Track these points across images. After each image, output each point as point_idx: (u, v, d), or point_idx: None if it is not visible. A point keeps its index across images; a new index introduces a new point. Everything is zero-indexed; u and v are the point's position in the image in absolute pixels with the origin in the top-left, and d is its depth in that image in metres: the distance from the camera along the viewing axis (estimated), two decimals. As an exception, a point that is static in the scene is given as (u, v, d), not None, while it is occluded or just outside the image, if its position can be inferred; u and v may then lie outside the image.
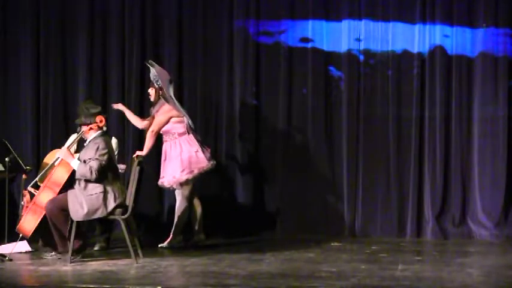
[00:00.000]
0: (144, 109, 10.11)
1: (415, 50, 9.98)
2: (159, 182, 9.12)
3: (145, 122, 9.24)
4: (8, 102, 10.50)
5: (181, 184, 8.96)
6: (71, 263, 7.94)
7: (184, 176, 8.95)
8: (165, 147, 9.09)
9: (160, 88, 9.07)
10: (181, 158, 8.97)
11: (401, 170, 9.99)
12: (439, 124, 9.93)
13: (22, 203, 8.39)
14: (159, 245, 8.97)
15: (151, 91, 9.15)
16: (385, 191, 10.03)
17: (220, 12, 10.25)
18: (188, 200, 9.01)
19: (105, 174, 7.99)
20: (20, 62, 10.47)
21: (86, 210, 7.91)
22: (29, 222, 8.09)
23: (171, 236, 9.02)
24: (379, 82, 10.06)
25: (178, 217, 9.02)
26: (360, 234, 10.01)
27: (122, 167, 8.81)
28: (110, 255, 8.50)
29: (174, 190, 9.09)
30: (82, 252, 8.20)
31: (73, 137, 8.93)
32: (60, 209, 7.94)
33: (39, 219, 8.05)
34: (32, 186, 8.32)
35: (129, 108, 10.21)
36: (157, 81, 9.07)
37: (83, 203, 7.91)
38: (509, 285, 7.23)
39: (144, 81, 10.00)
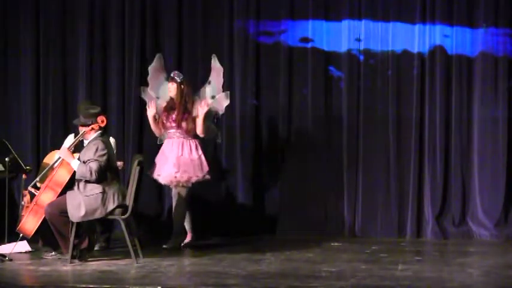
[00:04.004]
0: (143, 109, 10.11)
1: (415, 50, 9.98)
2: (156, 175, 9.05)
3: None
4: (8, 102, 10.50)
5: (181, 184, 8.95)
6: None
7: (185, 177, 8.92)
8: (176, 143, 9.01)
9: (181, 83, 9.03)
10: (191, 159, 8.93)
11: (401, 170, 9.99)
12: (439, 124, 9.93)
13: (22, 203, 8.39)
14: (163, 246, 8.95)
15: (172, 86, 9.03)
16: (385, 191, 10.02)
17: (220, 12, 10.25)
18: (186, 201, 8.99)
19: (105, 174, 7.99)
20: (20, 61, 10.46)
21: (84, 211, 7.90)
22: (30, 223, 8.10)
23: (172, 237, 9.01)
24: (379, 82, 10.07)
25: (176, 218, 9.00)
26: (360, 234, 10.01)
27: (119, 163, 8.79)
28: (110, 255, 8.50)
29: (170, 189, 9.10)
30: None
31: (71, 137, 8.93)
32: (59, 212, 7.93)
33: (41, 220, 8.05)
34: (32, 187, 8.32)
35: (129, 106, 10.24)
36: (179, 75, 9.04)
37: (81, 203, 7.90)
38: (509, 285, 7.23)
39: (144, 82, 9.99)
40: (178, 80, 9.03)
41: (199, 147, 9.03)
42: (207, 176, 9.04)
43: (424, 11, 9.93)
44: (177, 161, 8.93)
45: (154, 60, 9.26)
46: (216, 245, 9.17)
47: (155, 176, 9.06)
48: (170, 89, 9.05)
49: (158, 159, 9.08)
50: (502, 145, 9.85)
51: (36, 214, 8.07)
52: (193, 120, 9.00)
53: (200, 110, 8.95)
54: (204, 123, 8.97)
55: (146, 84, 9.34)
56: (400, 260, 8.30)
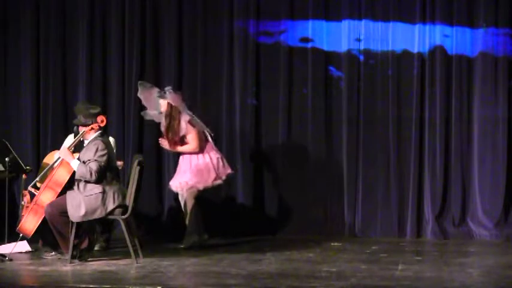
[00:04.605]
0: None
1: (415, 50, 9.98)
2: (180, 186, 9.05)
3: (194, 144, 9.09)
4: (8, 102, 10.50)
5: (185, 190, 8.96)
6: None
7: (191, 184, 8.94)
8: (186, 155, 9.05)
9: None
10: (198, 168, 8.92)
11: (402, 170, 9.99)
12: (439, 124, 9.94)
13: (22, 203, 8.39)
14: (180, 246, 8.93)
15: (163, 102, 8.99)
16: (385, 191, 10.03)
17: (220, 12, 10.25)
18: (196, 198, 8.99)
19: (105, 174, 7.99)
20: (20, 61, 10.46)
21: (84, 211, 7.90)
22: (30, 223, 8.09)
23: (187, 236, 8.97)
24: (379, 82, 10.07)
25: (190, 218, 8.96)
26: (360, 234, 10.01)
27: (119, 163, 8.79)
28: (110, 255, 8.50)
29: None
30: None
31: (70, 137, 8.92)
32: (60, 212, 7.92)
33: (40, 220, 8.05)
34: (32, 187, 8.32)
35: (129, 106, 10.24)
36: (169, 91, 9.02)
37: (81, 203, 7.90)
38: (509, 285, 7.23)
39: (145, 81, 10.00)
40: (167, 97, 9.02)
41: (206, 155, 9.02)
42: (218, 181, 9.05)
43: (424, 11, 9.93)
44: (185, 171, 8.96)
45: (139, 88, 9.15)
46: (216, 245, 9.16)
47: (178, 187, 9.09)
48: (161, 105, 9.05)
49: (176, 172, 9.15)
50: (502, 145, 9.85)
51: (36, 214, 8.07)
52: (182, 138, 8.98)
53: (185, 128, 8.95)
54: (196, 138, 8.96)
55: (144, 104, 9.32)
56: (400, 260, 8.30)
